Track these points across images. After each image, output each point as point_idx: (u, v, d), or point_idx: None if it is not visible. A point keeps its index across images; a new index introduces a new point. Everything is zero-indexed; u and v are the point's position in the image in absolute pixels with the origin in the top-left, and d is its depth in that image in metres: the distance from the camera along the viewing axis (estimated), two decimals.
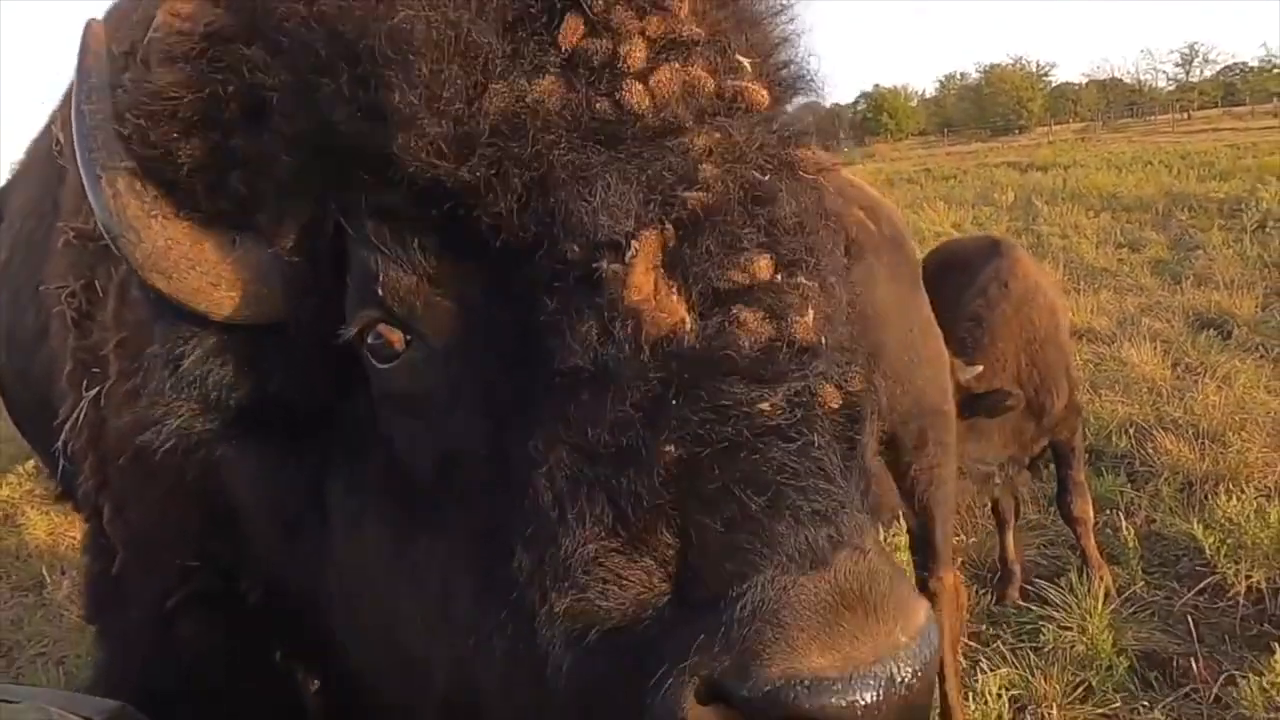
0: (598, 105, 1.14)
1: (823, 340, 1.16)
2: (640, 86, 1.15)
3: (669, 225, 1.11)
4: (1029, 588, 4.95)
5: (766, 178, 1.21)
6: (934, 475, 3.59)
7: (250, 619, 1.76)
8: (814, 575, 0.98)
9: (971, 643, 4.50)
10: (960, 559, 5.27)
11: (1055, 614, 4.46)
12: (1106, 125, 69.30)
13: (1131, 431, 6.60)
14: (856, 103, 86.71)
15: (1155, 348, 8.38)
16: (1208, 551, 4.82)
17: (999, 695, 3.87)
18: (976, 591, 5.02)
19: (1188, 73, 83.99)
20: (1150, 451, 6.21)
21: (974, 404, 4.33)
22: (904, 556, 3.96)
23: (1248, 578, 4.60)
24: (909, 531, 3.82)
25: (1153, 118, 72.34)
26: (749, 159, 1.20)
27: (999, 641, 4.50)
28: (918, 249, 4.57)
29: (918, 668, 0.97)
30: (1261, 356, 8.12)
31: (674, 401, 1.04)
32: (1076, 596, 4.49)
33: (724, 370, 1.06)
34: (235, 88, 1.26)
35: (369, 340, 1.26)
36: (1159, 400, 7.20)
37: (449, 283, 1.20)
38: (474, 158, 1.11)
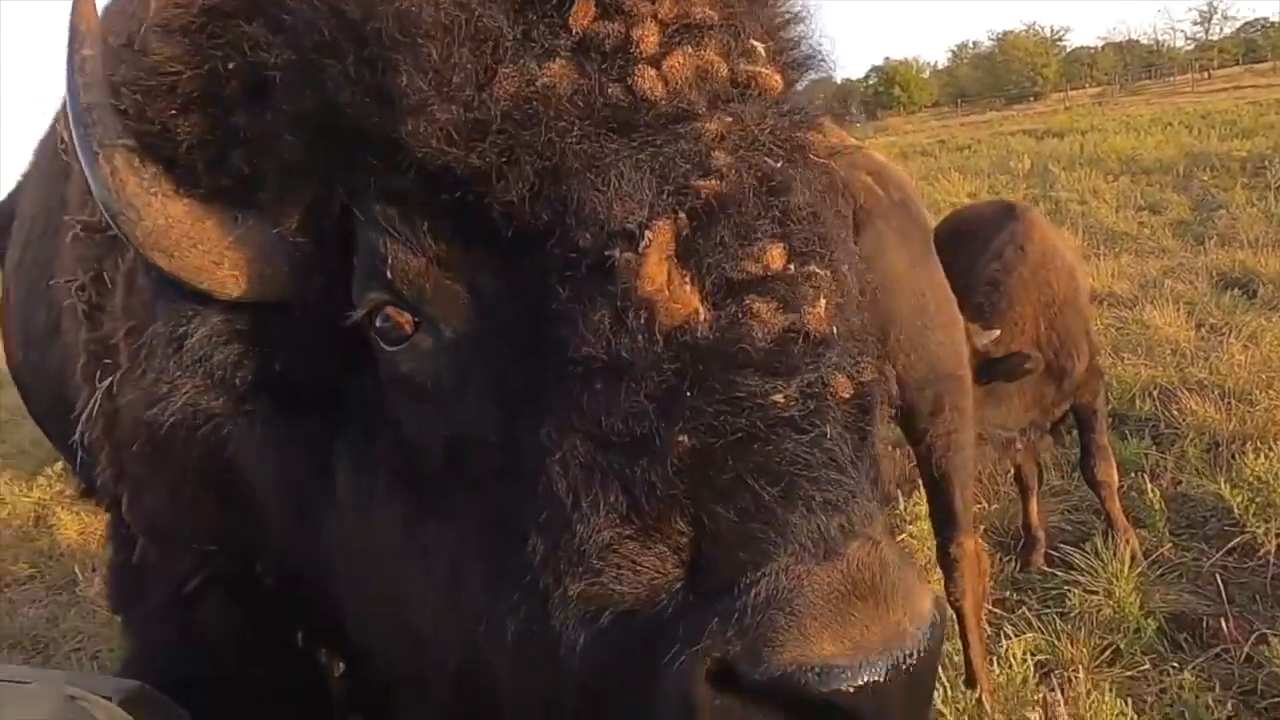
0: (610, 90, 1.12)
1: (835, 330, 1.16)
2: (653, 71, 1.13)
3: (682, 214, 1.09)
4: (1054, 553, 4.90)
5: (779, 165, 1.19)
6: (951, 441, 3.56)
7: (268, 602, 1.76)
8: (827, 565, 0.99)
9: (997, 610, 4.47)
10: (983, 526, 5.23)
11: (1081, 578, 4.42)
12: (1124, 88, 68.24)
13: (1156, 394, 6.52)
14: (867, 77, 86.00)
15: (1179, 309, 8.26)
16: (1236, 511, 4.77)
17: (1024, 660, 3.84)
18: (1001, 558, 4.98)
19: (1206, 31, 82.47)
20: (1175, 413, 6.12)
21: (992, 368, 4.29)
22: (925, 526, 3.94)
23: (1278, 536, 4.55)
24: (929, 499, 3.80)
25: (1172, 79, 71.15)
26: (762, 145, 1.18)
27: (1024, 608, 4.46)
28: (933, 220, 4.52)
29: (923, 653, 0.99)
30: None
31: (688, 393, 1.04)
32: (1103, 561, 4.44)
33: (738, 363, 1.06)
34: (236, 64, 1.25)
35: (377, 323, 1.25)
36: (1183, 362, 7.10)
37: (459, 268, 1.19)
38: (484, 144, 1.10)
